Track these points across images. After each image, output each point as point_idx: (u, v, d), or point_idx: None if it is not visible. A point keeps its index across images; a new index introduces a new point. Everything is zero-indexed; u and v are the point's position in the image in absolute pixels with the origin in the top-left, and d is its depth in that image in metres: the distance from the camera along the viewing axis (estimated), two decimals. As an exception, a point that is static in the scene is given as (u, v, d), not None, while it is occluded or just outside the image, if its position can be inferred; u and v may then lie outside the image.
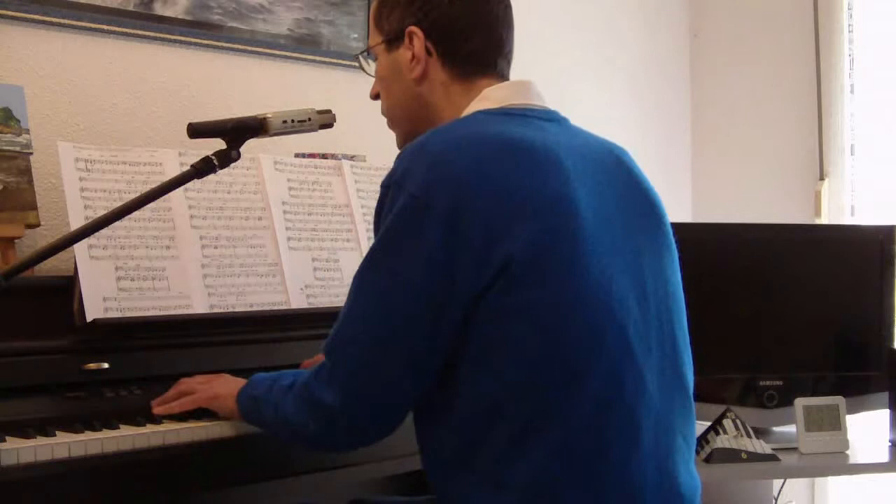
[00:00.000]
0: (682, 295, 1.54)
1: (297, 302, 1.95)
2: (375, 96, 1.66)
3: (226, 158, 1.66)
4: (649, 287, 1.46)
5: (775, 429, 2.64)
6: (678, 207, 3.71)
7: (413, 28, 1.55)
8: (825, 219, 3.46)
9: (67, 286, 1.71)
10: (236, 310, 1.86)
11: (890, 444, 2.53)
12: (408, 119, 1.62)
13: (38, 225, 1.97)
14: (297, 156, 2.15)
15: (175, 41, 2.35)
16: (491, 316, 1.35)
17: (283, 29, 2.55)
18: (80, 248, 1.70)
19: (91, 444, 1.49)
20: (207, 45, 2.41)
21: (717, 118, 3.80)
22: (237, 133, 1.68)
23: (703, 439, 2.38)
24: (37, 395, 1.60)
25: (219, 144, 1.68)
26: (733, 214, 3.54)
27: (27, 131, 1.93)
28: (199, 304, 1.82)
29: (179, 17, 2.35)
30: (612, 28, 3.54)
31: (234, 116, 1.71)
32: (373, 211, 1.46)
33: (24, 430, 1.50)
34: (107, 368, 1.68)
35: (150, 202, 1.62)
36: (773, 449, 2.40)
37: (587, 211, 1.40)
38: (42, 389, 1.62)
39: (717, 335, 2.57)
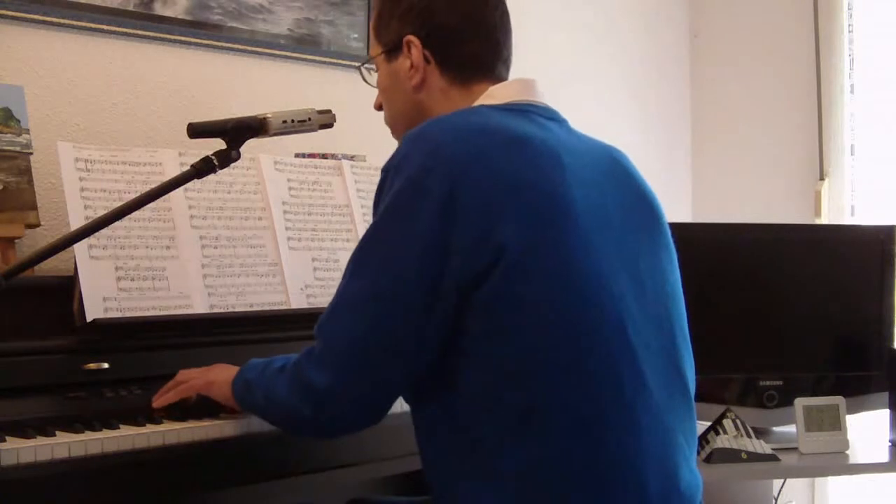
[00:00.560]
0: (681, 294, 1.54)
1: (297, 302, 1.95)
2: (379, 107, 1.68)
3: (226, 158, 1.66)
4: (647, 286, 1.46)
5: (775, 429, 2.64)
6: (678, 207, 3.71)
7: (410, 37, 1.57)
8: (825, 219, 3.46)
9: (67, 286, 1.71)
10: (236, 310, 1.86)
11: (890, 444, 2.53)
12: (409, 127, 1.62)
13: (38, 225, 1.97)
14: (297, 156, 2.15)
15: (175, 41, 2.35)
16: (485, 307, 1.35)
17: (283, 29, 2.55)
18: (80, 248, 1.70)
19: (91, 444, 1.49)
20: (207, 45, 2.41)
21: (717, 118, 3.80)
22: (237, 133, 1.68)
23: (703, 439, 2.38)
24: (37, 395, 1.60)
25: (219, 144, 1.68)
26: (733, 214, 3.55)
27: (27, 131, 1.93)
28: (199, 304, 1.82)
29: (179, 17, 2.35)
30: (612, 28, 3.55)
31: (234, 116, 1.71)
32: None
33: (24, 430, 1.50)
34: (107, 368, 1.68)
35: (150, 202, 1.62)
36: (773, 449, 2.40)
37: (583, 208, 1.41)
38: (42, 389, 1.62)
39: (718, 335, 2.57)
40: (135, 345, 1.75)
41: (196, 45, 2.39)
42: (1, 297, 1.45)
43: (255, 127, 1.70)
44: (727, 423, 2.40)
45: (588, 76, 3.44)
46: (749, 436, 2.39)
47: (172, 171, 1.83)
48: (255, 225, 1.95)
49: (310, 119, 1.76)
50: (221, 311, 1.84)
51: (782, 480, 2.80)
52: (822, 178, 3.50)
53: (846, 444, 2.48)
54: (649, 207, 1.54)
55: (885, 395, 2.55)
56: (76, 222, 1.72)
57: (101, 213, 1.62)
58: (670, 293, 1.51)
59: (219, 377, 1.63)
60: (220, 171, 1.67)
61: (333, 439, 1.64)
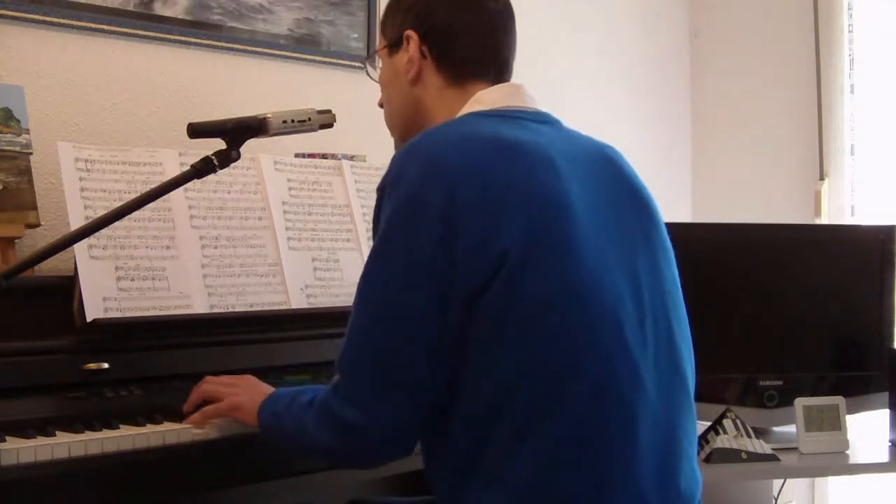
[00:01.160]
0: (679, 293, 1.54)
1: (297, 302, 1.95)
2: (382, 104, 1.69)
3: (226, 158, 1.66)
4: (644, 284, 1.46)
5: (775, 429, 2.64)
6: (678, 207, 3.71)
7: (410, 32, 1.58)
8: (825, 219, 3.46)
9: (67, 286, 1.71)
10: (236, 310, 1.86)
11: (890, 444, 2.53)
12: (404, 123, 1.64)
13: (38, 225, 1.97)
14: (297, 156, 2.15)
15: (175, 41, 2.35)
16: (486, 315, 1.35)
17: (283, 29, 2.55)
18: (80, 248, 1.70)
19: (91, 444, 1.49)
20: (207, 45, 2.41)
21: (717, 118, 3.80)
22: (237, 133, 1.68)
23: (703, 439, 2.38)
24: (37, 395, 1.60)
25: (219, 144, 1.68)
26: (733, 214, 3.54)
27: (27, 131, 1.93)
28: (199, 304, 1.82)
29: (179, 17, 2.35)
30: (612, 29, 3.54)
31: (234, 116, 1.71)
32: (373, 210, 1.46)
33: (24, 430, 1.50)
34: (107, 368, 1.68)
35: (150, 202, 1.62)
36: (773, 449, 2.40)
37: (579, 209, 1.41)
38: (42, 389, 1.61)
39: (717, 335, 2.57)
40: (135, 345, 1.74)
41: (196, 45, 2.39)
42: (1, 297, 1.45)
43: (254, 127, 1.70)
44: (727, 423, 2.40)
45: (588, 76, 3.44)
46: (749, 436, 2.39)
47: (172, 171, 1.83)
48: (255, 225, 1.95)
49: (310, 119, 1.76)
50: (221, 311, 1.84)
51: (782, 480, 2.80)
52: (822, 178, 3.50)
53: (846, 444, 2.48)
54: (644, 206, 1.54)
55: (885, 395, 2.55)
56: (76, 222, 1.72)
57: (101, 213, 1.62)
58: (667, 291, 1.51)
59: (245, 402, 1.61)
60: (220, 171, 1.67)
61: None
